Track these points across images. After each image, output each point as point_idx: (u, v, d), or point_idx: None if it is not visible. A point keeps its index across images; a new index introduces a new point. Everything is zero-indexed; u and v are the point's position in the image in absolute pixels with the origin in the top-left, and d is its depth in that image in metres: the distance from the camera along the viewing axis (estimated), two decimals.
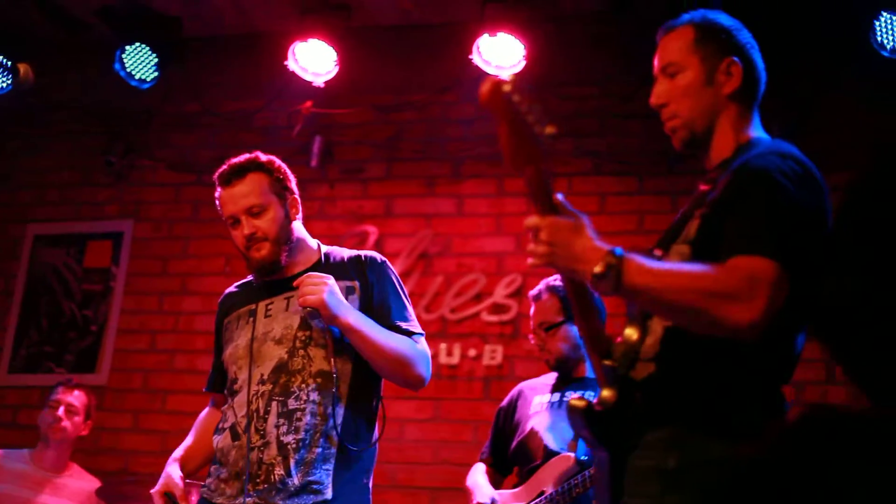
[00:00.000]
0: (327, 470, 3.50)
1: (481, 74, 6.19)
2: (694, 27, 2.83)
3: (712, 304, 2.40)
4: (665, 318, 2.61)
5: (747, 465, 2.28)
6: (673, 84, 2.82)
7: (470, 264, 6.53)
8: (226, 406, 3.71)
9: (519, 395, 4.97)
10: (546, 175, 2.45)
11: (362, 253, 3.82)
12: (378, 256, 3.83)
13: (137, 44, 6.66)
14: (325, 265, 3.76)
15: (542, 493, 4.54)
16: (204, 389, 4.04)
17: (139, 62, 6.71)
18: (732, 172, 2.65)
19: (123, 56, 6.67)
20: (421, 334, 3.73)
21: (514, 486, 4.76)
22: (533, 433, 4.72)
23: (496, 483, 4.90)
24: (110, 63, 6.64)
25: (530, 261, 2.53)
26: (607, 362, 2.64)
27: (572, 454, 4.52)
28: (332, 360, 3.56)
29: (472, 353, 6.37)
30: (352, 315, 3.56)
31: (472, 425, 6.19)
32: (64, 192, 7.42)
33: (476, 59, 6.16)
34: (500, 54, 6.16)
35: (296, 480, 3.46)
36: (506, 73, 2.29)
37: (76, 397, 5.90)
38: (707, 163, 2.83)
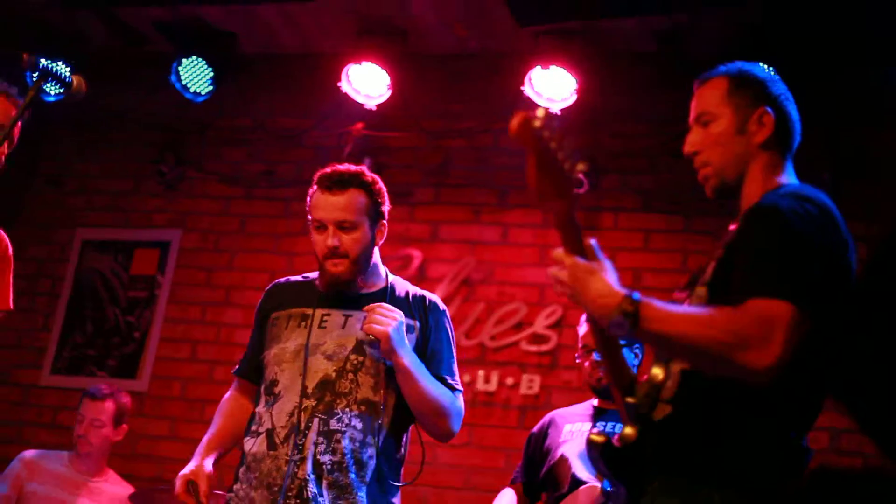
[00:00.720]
0: (361, 498, 3.49)
1: (532, 106, 6.22)
2: (729, 78, 2.89)
3: (726, 348, 2.41)
4: (682, 360, 2.64)
5: None
6: (706, 133, 2.87)
7: (512, 293, 6.56)
8: (260, 407, 3.65)
9: (550, 422, 4.98)
10: (573, 212, 2.50)
11: (427, 295, 3.81)
12: (440, 303, 3.83)
13: (194, 57, 6.75)
14: (391, 295, 3.75)
15: None
16: (232, 372, 3.99)
17: (195, 75, 6.79)
18: (745, 215, 2.70)
19: (180, 68, 6.75)
20: (460, 391, 3.75)
21: None
22: (562, 460, 4.73)
23: None
24: (167, 75, 6.73)
25: (556, 289, 2.58)
26: (630, 399, 2.68)
27: (599, 484, 4.53)
28: (382, 391, 3.58)
29: (509, 381, 6.40)
30: (408, 356, 3.56)
31: (505, 453, 6.21)
32: (114, 199, 7.51)
33: (528, 90, 6.20)
34: (552, 87, 6.20)
35: (327, 501, 3.44)
36: (540, 110, 2.32)
37: (101, 410, 5.88)
38: (738, 210, 2.85)
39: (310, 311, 3.70)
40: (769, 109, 2.83)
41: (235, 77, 7.01)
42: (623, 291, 2.46)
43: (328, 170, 3.71)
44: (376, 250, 3.78)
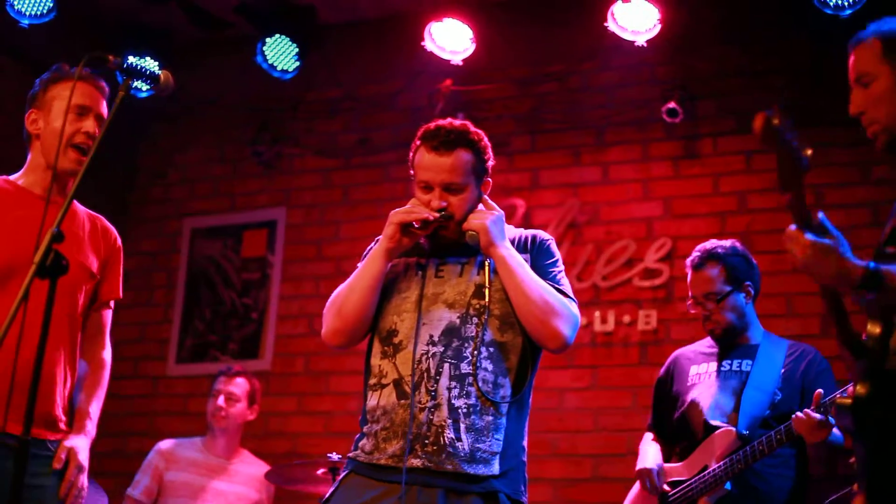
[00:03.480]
0: (498, 440, 3.48)
1: (618, 41, 6.18)
2: (881, 38, 2.95)
3: None
4: None
5: None
6: (867, 93, 2.95)
7: (619, 231, 6.53)
8: (377, 359, 3.61)
9: (675, 364, 4.95)
10: (804, 193, 2.58)
11: (532, 233, 3.79)
12: (545, 234, 3.80)
13: (277, 35, 6.78)
14: None
15: (706, 467, 4.53)
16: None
17: (280, 53, 6.83)
18: None
19: (264, 49, 6.79)
20: (573, 300, 3.66)
21: (677, 458, 4.76)
22: (693, 405, 4.71)
23: (666, 454, 4.89)
24: (252, 57, 6.78)
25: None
26: (861, 359, 2.75)
27: (733, 429, 4.50)
28: (509, 332, 3.55)
29: (626, 319, 6.37)
30: (509, 249, 3.56)
31: (630, 391, 6.20)
32: (216, 184, 7.62)
33: (611, 25, 6.13)
34: (635, 20, 6.11)
35: (466, 446, 3.42)
36: (774, 109, 2.48)
37: (237, 385, 6.05)
38: None
39: (424, 261, 3.67)
40: None
41: (320, 49, 7.02)
42: (861, 265, 2.59)
43: (433, 126, 3.66)
44: (485, 197, 3.75)
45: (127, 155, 7.70)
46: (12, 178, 3.97)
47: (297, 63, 6.85)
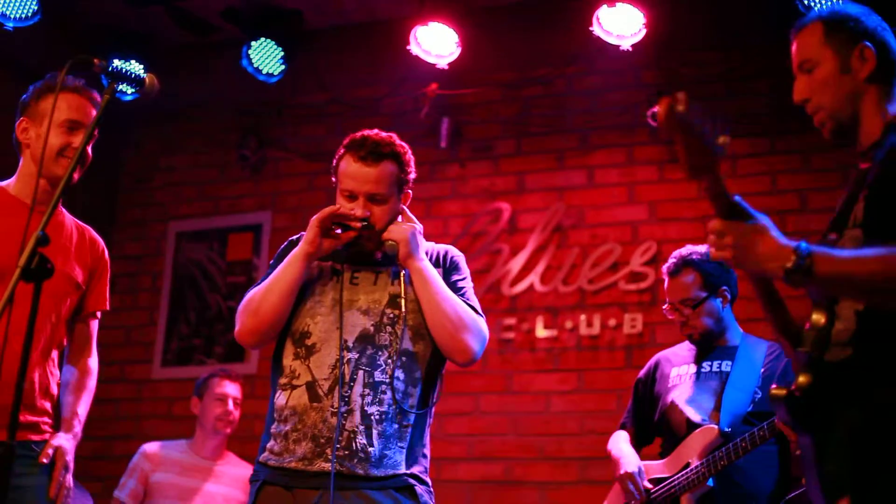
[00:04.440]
0: (402, 447, 3.55)
1: (603, 46, 6.20)
2: (822, 22, 2.92)
3: None
4: (858, 300, 2.68)
5: None
6: (811, 79, 2.91)
7: (604, 234, 6.55)
8: (289, 360, 3.65)
9: (656, 365, 4.97)
10: (722, 181, 2.54)
11: (443, 248, 3.85)
12: (455, 250, 3.87)
13: (263, 39, 6.77)
14: None
15: (688, 464, 4.55)
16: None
17: (266, 57, 6.83)
18: (888, 151, 2.73)
19: (250, 52, 6.78)
20: (483, 317, 3.73)
21: (659, 457, 4.78)
22: (674, 406, 4.73)
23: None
24: (238, 61, 6.77)
25: (714, 256, 2.63)
26: (802, 349, 2.74)
27: (715, 426, 4.52)
28: (420, 342, 3.63)
29: (611, 322, 6.39)
30: (426, 262, 3.64)
31: (616, 394, 6.21)
32: (202, 188, 7.62)
33: (596, 30, 6.14)
34: (620, 24, 6.12)
35: (376, 451, 3.48)
36: (680, 94, 2.39)
37: (238, 389, 6.10)
38: (858, 147, 2.89)
39: (339, 267, 3.72)
40: (868, 43, 2.86)
41: (306, 53, 7.02)
42: (792, 244, 2.52)
43: (360, 136, 3.73)
44: (405, 209, 3.82)
45: (112, 158, 7.69)
46: (2, 184, 3.97)
47: (283, 67, 6.84)
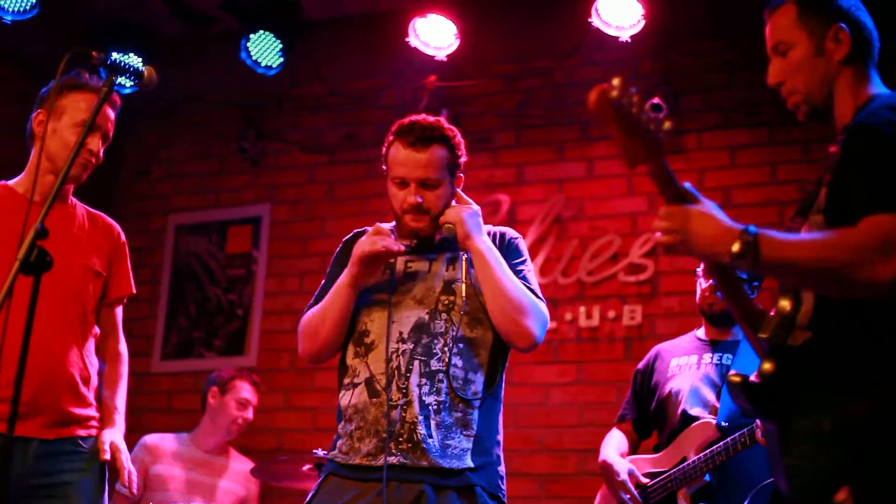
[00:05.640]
0: (468, 436, 3.48)
1: (602, 37, 6.19)
2: (796, 3, 2.86)
3: (848, 267, 2.43)
4: (805, 287, 2.64)
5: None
6: (785, 62, 2.85)
7: (604, 226, 6.54)
8: (350, 359, 3.63)
9: (656, 356, 4.97)
10: (666, 166, 2.49)
11: (501, 230, 3.78)
12: (513, 232, 3.80)
13: (261, 31, 6.75)
14: None
15: (685, 459, 4.55)
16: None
17: (264, 49, 6.81)
18: (846, 135, 2.69)
19: (249, 45, 6.77)
20: (543, 300, 3.65)
21: (655, 451, 4.77)
22: (671, 395, 4.73)
23: (634, 446, 4.92)
24: (237, 53, 6.76)
25: (662, 246, 2.58)
26: (762, 335, 2.68)
27: (713, 420, 4.52)
28: (478, 328, 3.56)
29: (611, 314, 6.39)
30: (485, 243, 3.56)
31: (615, 386, 6.20)
32: (201, 181, 7.61)
33: (595, 21, 6.13)
34: (619, 15, 6.11)
35: (436, 442, 3.42)
36: (615, 79, 2.31)
37: (257, 398, 6.19)
38: (833, 129, 2.85)
39: (392, 260, 3.65)
40: (842, 25, 2.81)
41: (304, 45, 7.01)
42: (739, 227, 2.47)
43: (407, 122, 3.65)
44: (460, 192, 3.75)
45: (111, 151, 7.67)
46: (11, 182, 3.97)
47: (282, 59, 6.83)
